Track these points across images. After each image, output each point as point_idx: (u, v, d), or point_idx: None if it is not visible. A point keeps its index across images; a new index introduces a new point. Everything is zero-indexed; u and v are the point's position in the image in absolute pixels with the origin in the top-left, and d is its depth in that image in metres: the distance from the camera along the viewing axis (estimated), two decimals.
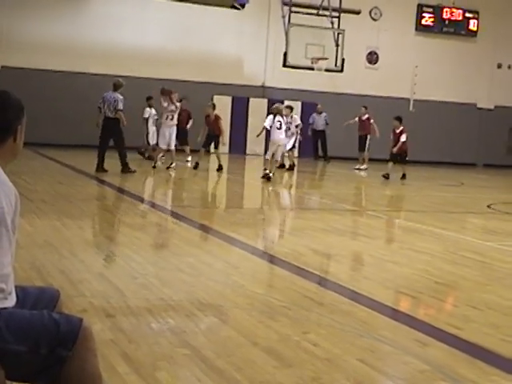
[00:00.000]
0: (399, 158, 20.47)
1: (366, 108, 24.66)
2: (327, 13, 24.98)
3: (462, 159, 31.14)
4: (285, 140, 18.22)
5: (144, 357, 4.64)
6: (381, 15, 30.41)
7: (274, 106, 18.70)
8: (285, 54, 24.22)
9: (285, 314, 5.83)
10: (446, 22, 31.15)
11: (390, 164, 20.56)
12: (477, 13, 31.48)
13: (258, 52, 28.74)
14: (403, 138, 20.23)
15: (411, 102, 30.91)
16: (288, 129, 21.20)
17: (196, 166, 19.87)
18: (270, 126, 18.33)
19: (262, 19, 28.55)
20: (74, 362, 2.94)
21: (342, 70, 24.93)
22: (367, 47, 30.30)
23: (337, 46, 24.49)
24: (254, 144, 28.12)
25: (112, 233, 9.25)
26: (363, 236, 10.68)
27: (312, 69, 24.55)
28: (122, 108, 17.18)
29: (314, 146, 27.09)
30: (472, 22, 31.54)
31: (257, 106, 28.52)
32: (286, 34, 24.18)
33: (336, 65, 24.60)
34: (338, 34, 24.58)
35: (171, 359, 4.63)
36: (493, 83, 32.15)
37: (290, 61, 24.32)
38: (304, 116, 26.79)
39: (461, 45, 31.52)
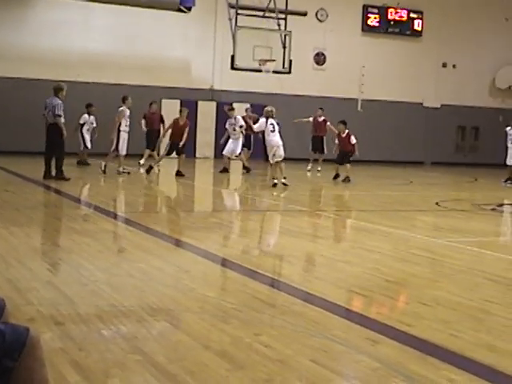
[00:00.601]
0: (346, 159, 20.44)
1: (322, 110, 24.61)
2: (273, 15, 25.04)
3: (410, 158, 31.48)
4: (280, 141, 17.90)
5: (95, 364, 4.58)
6: (327, 16, 30.58)
7: (266, 109, 18.27)
8: (232, 57, 24.22)
9: (236, 316, 5.82)
10: (392, 22, 31.46)
11: (337, 166, 20.63)
12: (421, 13, 31.86)
13: (205, 55, 28.69)
14: (353, 139, 20.29)
15: (359, 102, 31.14)
16: (233, 130, 21.26)
17: (149, 170, 19.77)
18: (263, 131, 18.06)
19: (209, 22, 28.52)
20: (21, 373, 2.88)
21: (289, 72, 25.00)
22: (314, 48, 30.45)
23: (284, 47, 24.56)
24: (204, 147, 28.10)
25: (61, 240, 9.15)
26: (314, 236, 10.71)
27: (260, 71, 24.58)
28: (60, 113, 16.93)
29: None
30: (417, 22, 31.92)
31: (205, 108, 28.49)
32: (233, 36, 24.18)
33: (284, 66, 24.66)
34: (285, 35, 24.65)
35: (123, 366, 4.58)
36: (438, 82, 32.56)
37: (238, 63, 24.32)
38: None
39: (406, 45, 31.88)
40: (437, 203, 16.12)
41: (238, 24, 24.19)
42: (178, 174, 19.64)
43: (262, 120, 18.07)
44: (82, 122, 22.64)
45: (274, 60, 24.39)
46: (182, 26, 27.54)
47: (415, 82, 31.96)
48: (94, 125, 22.47)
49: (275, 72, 24.85)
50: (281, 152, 17.90)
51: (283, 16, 24.92)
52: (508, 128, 21.79)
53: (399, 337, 5.46)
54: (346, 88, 30.61)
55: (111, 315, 5.71)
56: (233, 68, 24.53)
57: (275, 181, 17.66)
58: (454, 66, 33.00)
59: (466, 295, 6.92)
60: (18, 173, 18.32)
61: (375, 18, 31.26)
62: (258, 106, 27.42)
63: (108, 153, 19.59)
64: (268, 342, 5.14)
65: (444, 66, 32.90)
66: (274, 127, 17.94)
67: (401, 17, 31.60)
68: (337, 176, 20.47)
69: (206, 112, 28.41)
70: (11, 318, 3.48)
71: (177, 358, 4.75)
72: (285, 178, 17.87)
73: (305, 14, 29.24)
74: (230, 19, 24.38)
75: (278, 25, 24.98)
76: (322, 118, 24.51)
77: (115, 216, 11.67)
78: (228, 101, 27.72)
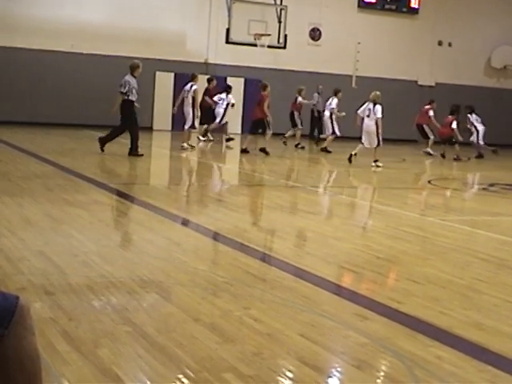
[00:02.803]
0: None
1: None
2: None
3: (404, 135, 31.44)
4: (374, 126, 18.29)
5: (85, 334, 4.59)
6: None
7: (372, 95, 18.58)
8: (227, 31, 24.12)
9: (227, 290, 5.83)
10: None
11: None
12: None
13: (200, 28, 28.51)
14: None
15: (353, 79, 31.06)
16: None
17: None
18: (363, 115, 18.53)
19: None
20: (10, 341, 2.88)
21: (284, 47, 24.94)
22: (310, 24, 30.29)
23: (279, 22, 24.48)
24: (197, 121, 27.92)
25: (53, 211, 9.13)
26: (306, 212, 10.72)
27: (255, 45, 24.50)
28: (122, 90, 17.06)
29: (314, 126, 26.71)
30: None
31: (200, 82, 28.33)
32: (229, 10, 24.07)
33: (279, 41, 24.59)
34: (281, 10, 24.56)
35: (113, 336, 4.59)
36: (434, 60, 32.48)
37: (233, 37, 24.24)
38: (247, 92, 26.80)
39: (402, 22, 31.75)
40: (429, 181, 16.15)
41: None
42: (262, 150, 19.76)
43: (364, 105, 18.51)
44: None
45: (269, 34, 24.32)
46: None
47: (410, 59, 31.88)
48: None
49: (270, 47, 24.78)
50: (375, 140, 18.35)
51: None
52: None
53: (388, 313, 5.49)
54: (340, 64, 30.50)
55: (102, 286, 5.72)
56: (228, 42, 24.45)
57: (377, 163, 18.14)
58: (449, 45, 32.90)
59: (457, 273, 6.95)
60: (10, 142, 18.24)
61: None
62: (252, 81, 27.38)
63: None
64: (258, 316, 5.16)
65: (440, 44, 32.80)
66: (369, 112, 18.27)
67: None
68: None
69: (200, 85, 28.25)
70: (2, 286, 3.49)
71: (166, 330, 4.77)
72: (375, 161, 18.27)
73: None
74: None
75: None
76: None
77: (107, 188, 11.66)
78: (222, 75, 27.62)
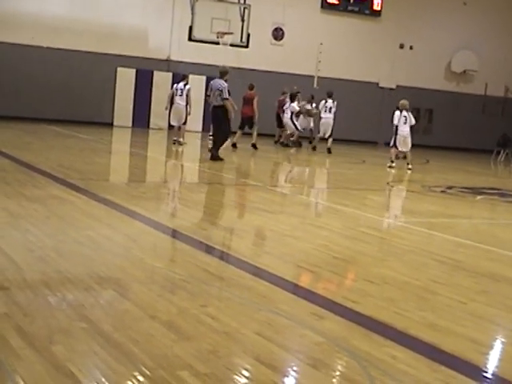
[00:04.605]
0: None
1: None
2: None
3: (364, 137, 31.63)
4: (409, 133, 19.84)
5: (39, 330, 4.55)
6: None
7: (401, 103, 20.07)
8: (190, 28, 24.08)
9: (184, 287, 5.82)
10: (351, 0, 31.50)
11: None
12: None
13: (163, 25, 28.39)
14: None
15: (315, 79, 31.17)
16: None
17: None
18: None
19: None
20: None
21: (247, 46, 24.98)
22: (273, 23, 30.33)
23: (242, 20, 24.49)
24: (158, 118, 27.89)
25: (9, 205, 9.02)
26: (265, 211, 10.73)
27: (217, 43, 24.48)
28: (227, 96, 16.96)
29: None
30: (376, 1, 31.98)
31: (161, 79, 28.23)
32: (192, 7, 24.03)
33: (241, 40, 24.62)
34: (244, 8, 24.58)
35: (68, 333, 4.55)
36: (395, 63, 32.72)
37: (196, 35, 24.21)
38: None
39: (365, 24, 31.94)
40: (388, 183, 16.28)
41: None
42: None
43: (397, 112, 19.88)
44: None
45: (231, 33, 24.32)
46: None
47: (372, 61, 32.09)
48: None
49: (233, 45, 24.80)
50: (409, 145, 19.83)
51: None
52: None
53: (344, 313, 5.52)
54: (303, 64, 30.60)
55: (58, 282, 5.67)
56: (190, 39, 24.40)
57: (409, 166, 19.41)
58: (411, 48, 33.17)
59: (413, 275, 7.01)
60: None
61: None
62: (213, 79, 27.32)
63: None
64: (214, 314, 5.15)
65: (401, 47, 33.06)
66: (406, 119, 19.69)
67: None
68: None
69: (162, 83, 28.18)
70: None
71: (123, 327, 4.74)
72: (408, 164, 19.55)
73: None
74: None
75: None
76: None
77: (65, 183, 11.56)
78: (184, 72, 27.54)
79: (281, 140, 24.31)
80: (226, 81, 17.28)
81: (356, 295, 6.04)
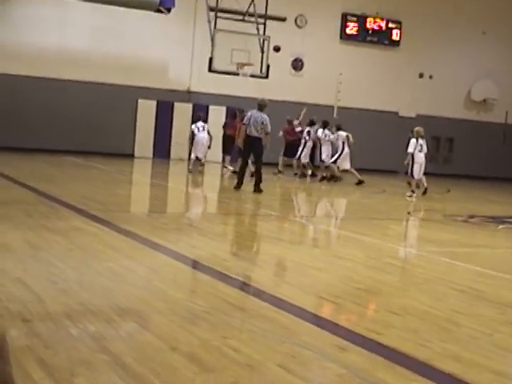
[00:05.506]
0: None
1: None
2: (253, 19, 25.09)
3: (384, 166, 31.58)
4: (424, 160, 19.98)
5: (61, 362, 4.54)
6: (306, 23, 30.67)
7: (417, 130, 19.98)
8: (210, 59, 24.22)
9: (205, 318, 5.80)
10: (370, 31, 31.66)
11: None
12: (399, 23, 32.06)
13: (183, 56, 28.64)
14: None
15: (335, 109, 31.23)
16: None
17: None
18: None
19: (188, 24, 28.48)
20: None
21: (267, 76, 25.06)
22: (292, 54, 30.50)
23: (262, 52, 24.60)
24: (178, 149, 28.04)
25: (32, 237, 9.07)
26: (286, 242, 10.72)
27: (237, 74, 24.60)
28: (269, 131, 17.27)
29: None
30: (395, 31, 32.12)
31: (182, 110, 28.43)
32: (212, 39, 24.19)
33: (261, 71, 24.71)
34: (264, 40, 24.70)
35: (89, 365, 4.54)
36: (415, 92, 32.74)
37: (216, 66, 24.34)
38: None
39: (384, 54, 32.04)
40: (409, 213, 16.21)
41: (217, 27, 24.22)
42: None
43: (413, 141, 19.74)
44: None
45: (251, 64, 24.43)
46: (160, 26, 27.47)
47: (392, 91, 32.13)
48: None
49: (252, 76, 24.89)
50: (422, 170, 19.95)
51: (262, 20, 24.98)
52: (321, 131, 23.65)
53: (367, 344, 5.48)
54: (322, 95, 30.70)
55: (80, 314, 5.67)
56: (210, 70, 24.54)
57: (425, 186, 19.90)
58: (430, 77, 33.20)
59: (435, 305, 6.95)
60: None
61: (354, 27, 31.41)
62: (233, 109, 27.44)
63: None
64: (236, 346, 5.13)
65: (421, 76, 33.09)
66: (421, 147, 19.72)
67: (379, 26, 31.80)
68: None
69: (182, 114, 28.35)
70: None
71: (144, 359, 4.73)
72: (424, 186, 19.99)
73: (284, 20, 29.35)
74: (210, 21, 24.40)
75: (257, 29, 25.03)
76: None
77: (87, 214, 11.61)
78: (204, 103, 27.71)
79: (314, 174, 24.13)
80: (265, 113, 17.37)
81: (379, 326, 6.00)
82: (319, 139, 23.73)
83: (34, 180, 16.07)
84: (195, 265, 8.43)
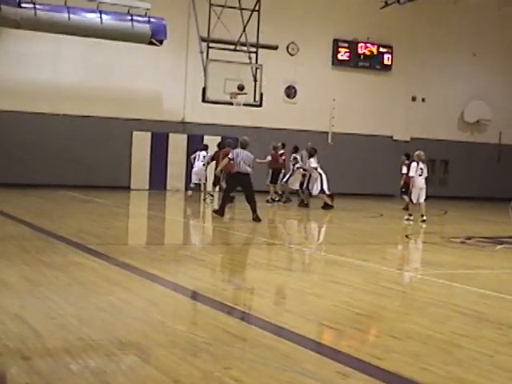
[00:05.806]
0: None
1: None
2: (245, 48, 25.24)
3: (380, 190, 31.62)
4: (424, 184, 19.67)
5: None
6: (298, 50, 30.84)
7: (417, 154, 19.82)
8: (203, 90, 24.31)
9: (206, 350, 5.77)
10: (362, 56, 31.83)
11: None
12: (390, 47, 32.25)
13: (177, 87, 28.75)
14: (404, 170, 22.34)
15: (329, 135, 31.32)
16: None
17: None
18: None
19: (181, 55, 28.62)
20: None
21: (260, 105, 25.14)
22: (285, 81, 30.64)
23: (255, 80, 24.71)
24: (174, 179, 28.07)
25: (29, 273, 9.04)
26: (284, 269, 10.70)
27: (231, 104, 24.69)
28: (253, 167, 18.18)
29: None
30: (386, 56, 32.31)
31: (177, 141, 28.50)
32: (205, 69, 24.30)
33: (255, 99, 24.80)
34: (256, 68, 24.82)
35: None
36: (408, 115, 32.88)
37: (209, 96, 24.43)
38: None
39: (376, 78, 32.19)
40: (406, 236, 16.20)
41: (210, 57, 24.35)
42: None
43: (414, 164, 19.54)
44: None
45: (245, 93, 24.52)
46: (153, 58, 27.59)
47: (385, 115, 32.26)
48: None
49: (246, 105, 24.98)
50: (423, 196, 19.56)
51: (254, 49, 25.13)
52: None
53: (369, 370, 5.45)
54: (316, 121, 30.82)
55: (79, 349, 5.64)
56: (204, 100, 24.63)
57: (424, 217, 19.08)
58: (423, 100, 33.37)
59: (436, 328, 6.93)
60: None
61: (345, 52, 31.59)
62: (229, 139, 27.50)
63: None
64: (238, 376, 5.10)
65: (413, 99, 33.26)
66: (422, 171, 19.46)
67: (370, 51, 31.98)
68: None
69: (177, 144, 28.42)
70: None
71: None
72: (422, 215, 19.16)
73: (276, 48, 29.49)
74: (202, 52, 24.54)
75: (249, 58, 25.16)
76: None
77: (84, 248, 11.58)
78: (199, 133, 27.79)
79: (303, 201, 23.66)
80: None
81: (380, 351, 5.97)
82: (315, 168, 23.40)
83: (30, 215, 16.06)
84: (194, 296, 8.40)
